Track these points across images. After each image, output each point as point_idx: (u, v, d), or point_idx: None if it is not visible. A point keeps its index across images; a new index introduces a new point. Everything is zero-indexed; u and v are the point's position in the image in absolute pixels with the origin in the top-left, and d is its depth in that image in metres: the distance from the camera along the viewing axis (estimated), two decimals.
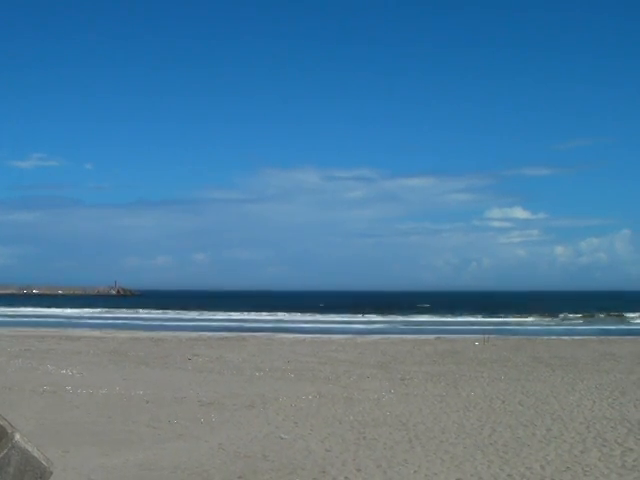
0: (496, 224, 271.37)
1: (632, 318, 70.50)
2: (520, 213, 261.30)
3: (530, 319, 71.49)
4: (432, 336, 43.74)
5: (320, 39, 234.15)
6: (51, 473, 5.67)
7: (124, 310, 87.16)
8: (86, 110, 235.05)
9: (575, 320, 70.67)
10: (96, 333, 44.21)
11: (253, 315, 77.83)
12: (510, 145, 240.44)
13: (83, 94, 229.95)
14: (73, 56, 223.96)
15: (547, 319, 71.89)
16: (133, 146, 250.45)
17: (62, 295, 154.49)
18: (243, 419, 15.31)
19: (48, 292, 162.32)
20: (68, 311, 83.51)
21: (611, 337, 43.93)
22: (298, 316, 76.94)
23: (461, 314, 78.53)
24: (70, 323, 58.25)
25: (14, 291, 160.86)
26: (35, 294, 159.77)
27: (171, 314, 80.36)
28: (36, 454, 5.56)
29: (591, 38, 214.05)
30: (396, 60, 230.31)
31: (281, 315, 78.35)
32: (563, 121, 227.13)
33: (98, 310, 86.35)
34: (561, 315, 75.42)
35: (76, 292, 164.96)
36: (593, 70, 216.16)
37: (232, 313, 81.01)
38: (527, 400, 18.17)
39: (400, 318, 72.07)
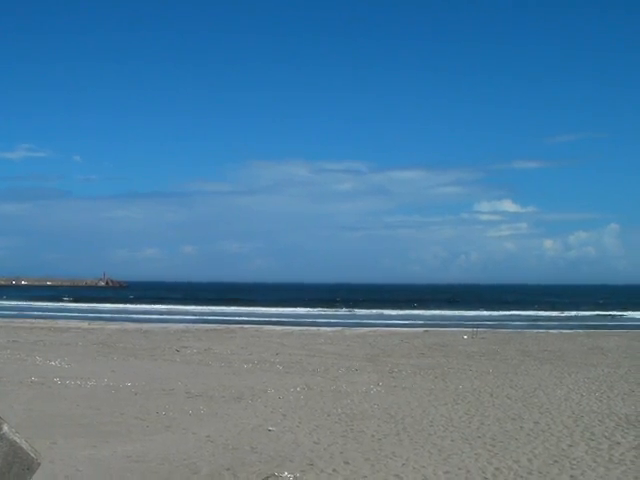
0: (485, 217, 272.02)
1: (619, 313, 70.79)
2: (509, 206, 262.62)
3: (519, 313, 71.71)
4: (421, 329, 43.89)
5: (310, 33, 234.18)
6: (39, 464, 5.66)
7: (112, 301, 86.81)
8: (75, 102, 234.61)
9: (563, 314, 70.91)
10: (84, 324, 44.09)
11: (241, 307, 77.71)
12: (500, 139, 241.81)
13: (72, 86, 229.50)
14: (62, 48, 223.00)
15: (536, 313, 72.14)
16: (122, 138, 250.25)
17: (51, 286, 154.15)
18: (231, 411, 15.30)
19: (36, 283, 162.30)
20: (56, 302, 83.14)
21: (599, 331, 44.15)
22: (286, 308, 76.88)
23: (450, 307, 78.66)
24: (58, 314, 58.01)
25: (2, 282, 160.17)
26: (23, 285, 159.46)
27: (159, 306, 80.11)
28: (24, 445, 5.55)
29: (581, 34, 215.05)
30: (386, 54, 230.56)
31: (269, 307, 78.27)
32: (553, 115, 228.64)
33: (86, 302, 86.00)
34: (550, 311, 75.62)
35: (64, 283, 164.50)
36: (582, 65, 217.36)
37: (220, 305, 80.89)
38: (515, 393, 18.25)
39: (389, 311, 72.16)
